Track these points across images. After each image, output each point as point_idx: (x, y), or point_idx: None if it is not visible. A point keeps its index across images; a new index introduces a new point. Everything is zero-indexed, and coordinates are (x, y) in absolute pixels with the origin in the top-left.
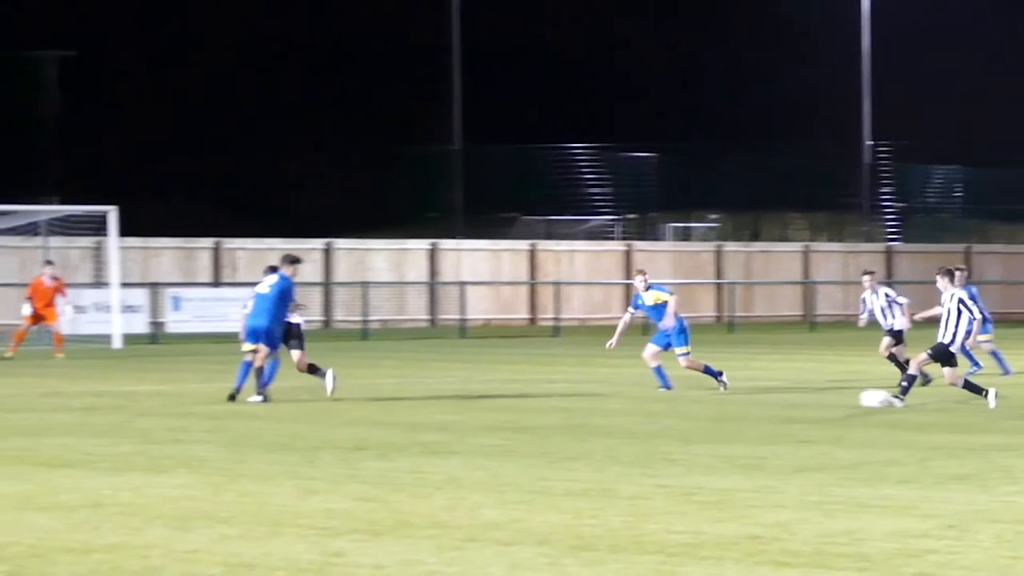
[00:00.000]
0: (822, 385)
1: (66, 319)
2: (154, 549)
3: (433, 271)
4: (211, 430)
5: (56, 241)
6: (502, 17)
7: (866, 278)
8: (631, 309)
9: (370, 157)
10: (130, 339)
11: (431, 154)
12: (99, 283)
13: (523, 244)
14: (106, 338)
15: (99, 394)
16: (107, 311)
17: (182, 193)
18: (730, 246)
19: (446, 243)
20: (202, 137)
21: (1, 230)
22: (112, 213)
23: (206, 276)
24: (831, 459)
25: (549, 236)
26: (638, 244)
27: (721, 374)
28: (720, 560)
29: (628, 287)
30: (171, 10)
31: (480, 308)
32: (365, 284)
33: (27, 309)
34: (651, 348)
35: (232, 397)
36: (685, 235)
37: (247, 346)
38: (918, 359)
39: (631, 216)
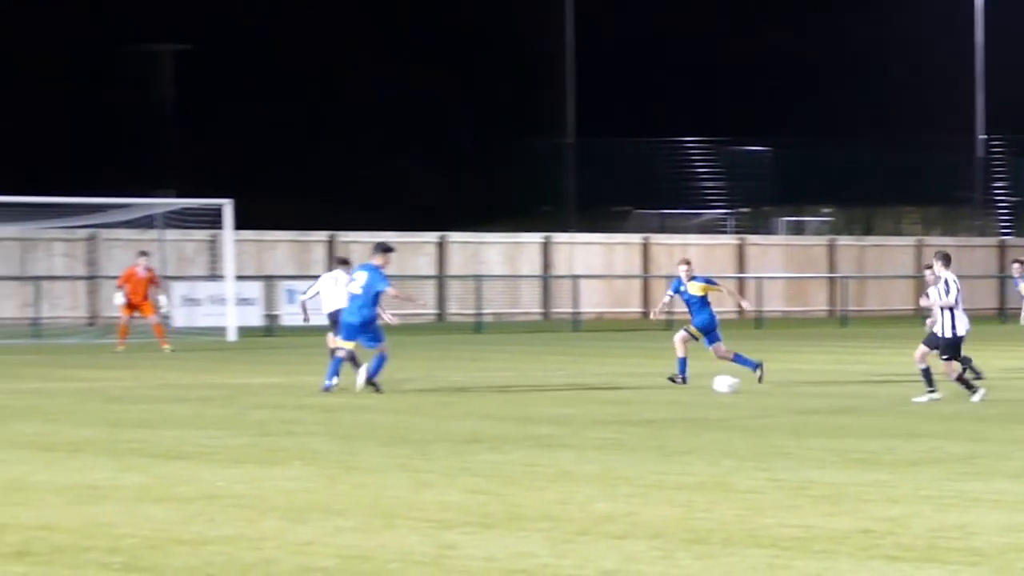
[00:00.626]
0: (935, 379)
1: (162, 309)
2: (268, 541)
3: (546, 264)
4: (325, 422)
5: (172, 234)
6: (616, 10)
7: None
8: (670, 292)
9: (484, 150)
10: (244, 332)
11: (545, 148)
12: (214, 276)
13: (636, 238)
14: (221, 331)
15: (214, 386)
16: (222, 304)
17: (297, 186)
18: (843, 240)
19: (559, 236)
20: (317, 130)
21: (118, 223)
22: (227, 206)
23: (320, 269)
24: (944, 453)
25: (662, 230)
26: (751, 238)
27: (759, 366)
28: (833, 554)
29: (742, 281)
30: (286, 4)
31: (593, 301)
32: (479, 277)
33: (120, 298)
34: (683, 334)
35: (374, 386)
36: (798, 229)
37: (345, 343)
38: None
39: (744, 210)
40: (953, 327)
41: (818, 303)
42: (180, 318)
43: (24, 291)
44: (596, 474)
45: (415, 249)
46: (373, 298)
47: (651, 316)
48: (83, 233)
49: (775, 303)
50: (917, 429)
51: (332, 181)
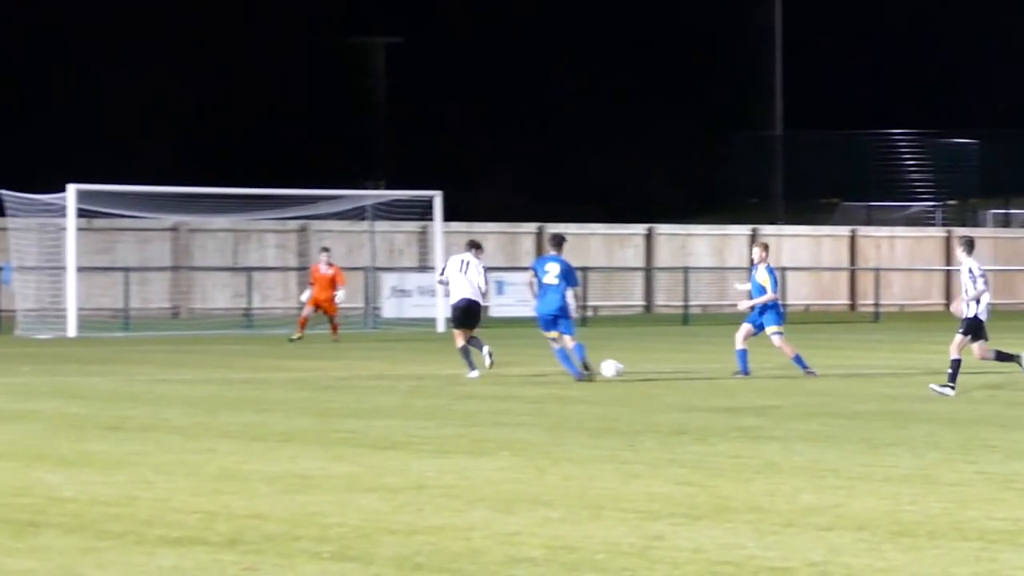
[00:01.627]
0: None
1: (337, 301)
2: (476, 531)
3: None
4: (533, 413)
5: (381, 225)
6: (824, 3)
7: None
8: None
9: (692, 143)
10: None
11: (753, 140)
12: (424, 267)
13: (843, 230)
14: (430, 322)
15: (423, 377)
16: (431, 295)
17: (506, 178)
18: None
19: (767, 229)
20: (526, 123)
21: (329, 215)
22: (437, 198)
23: (529, 260)
24: None
25: (869, 222)
26: (958, 230)
27: (808, 368)
28: None
29: (949, 274)
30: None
31: (800, 294)
32: (686, 269)
33: (307, 294)
34: (745, 328)
35: (586, 377)
36: (1005, 221)
37: (548, 335)
38: (956, 343)
39: (951, 202)
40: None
41: None
42: (390, 309)
43: (236, 282)
44: (803, 466)
45: (623, 241)
46: (566, 288)
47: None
48: (294, 225)
49: None
50: None
51: (541, 173)
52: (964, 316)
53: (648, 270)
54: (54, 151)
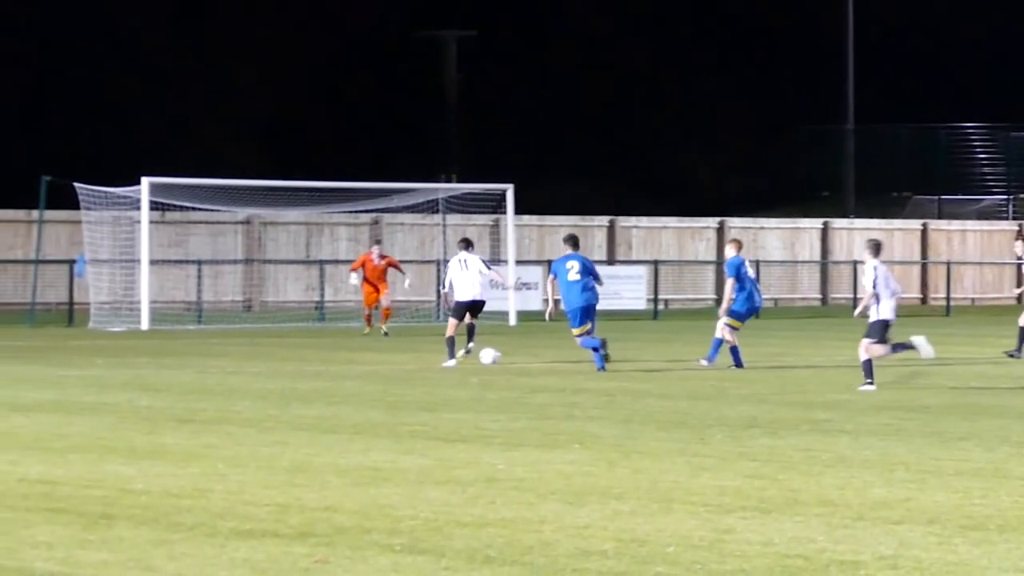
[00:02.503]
0: None
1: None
2: (547, 524)
3: (825, 250)
4: (604, 406)
5: (453, 219)
6: None
7: None
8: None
9: (764, 136)
10: (524, 316)
11: (824, 134)
12: (495, 260)
13: (915, 223)
14: (502, 315)
15: (494, 370)
16: (502, 288)
17: (578, 171)
18: None
19: (838, 222)
20: (598, 116)
21: (401, 208)
22: (509, 191)
23: (600, 254)
24: None
25: (941, 215)
26: None
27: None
28: None
29: (1021, 267)
30: None
31: None
32: (758, 262)
33: (354, 279)
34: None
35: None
36: None
37: (577, 331)
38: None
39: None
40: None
41: None
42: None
43: (309, 274)
44: (873, 459)
45: (695, 234)
46: (592, 280)
47: None
48: (367, 218)
49: None
50: None
51: (613, 166)
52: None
53: (720, 263)
54: (128, 144)
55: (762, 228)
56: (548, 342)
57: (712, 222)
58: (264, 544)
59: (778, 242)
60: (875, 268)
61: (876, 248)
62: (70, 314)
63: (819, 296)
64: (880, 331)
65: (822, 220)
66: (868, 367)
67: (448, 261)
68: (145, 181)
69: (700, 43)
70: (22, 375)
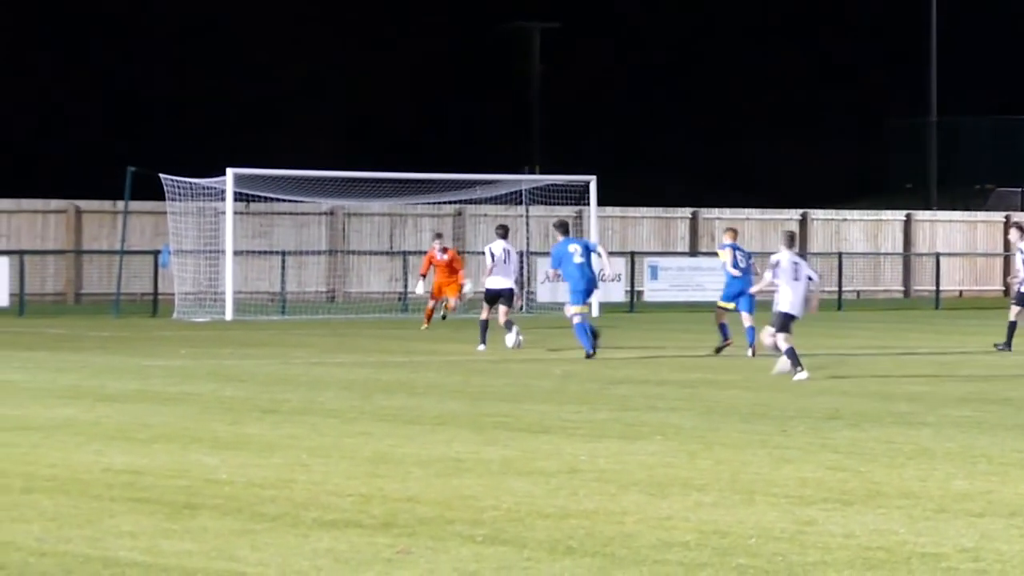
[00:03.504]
0: None
1: (465, 290)
2: (629, 515)
3: (907, 242)
4: (686, 398)
5: (536, 210)
6: None
7: None
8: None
9: (847, 128)
10: (607, 307)
11: (907, 126)
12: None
13: (998, 215)
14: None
15: (575, 361)
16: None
17: (661, 163)
18: None
19: (921, 214)
20: (680, 108)
21: (484, 199)
22: (592, 183)
23: (683, 246)
24: None
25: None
26: None
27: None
28: None
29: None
30: None
31: (954, 279)
32: (840, 254)
33: (421, 287)
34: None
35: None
36: None
37: (580, 308)
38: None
39: None
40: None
41: None
42: (544, 293)
43: (392, 266)
44: (955, 452)
45: (777, 226)
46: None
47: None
48: (450, 209)
49: None
50: None
51: (695, 158)
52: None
53: (802, 255)
54: (213, 135)
55: (845, 220)
56: (630, 333)
57: (795, 214)
58: (347, 535)
59: (861, 234)
60: (778, 260)
61: (790, 239)
62: (154, 304)
63: (902, 288)
64: (779, 322)
65: (905, 212)
66: (791, 355)
67: (520, 252)
68: (230, 172)
69: (785, 33)
70: (107, 365)
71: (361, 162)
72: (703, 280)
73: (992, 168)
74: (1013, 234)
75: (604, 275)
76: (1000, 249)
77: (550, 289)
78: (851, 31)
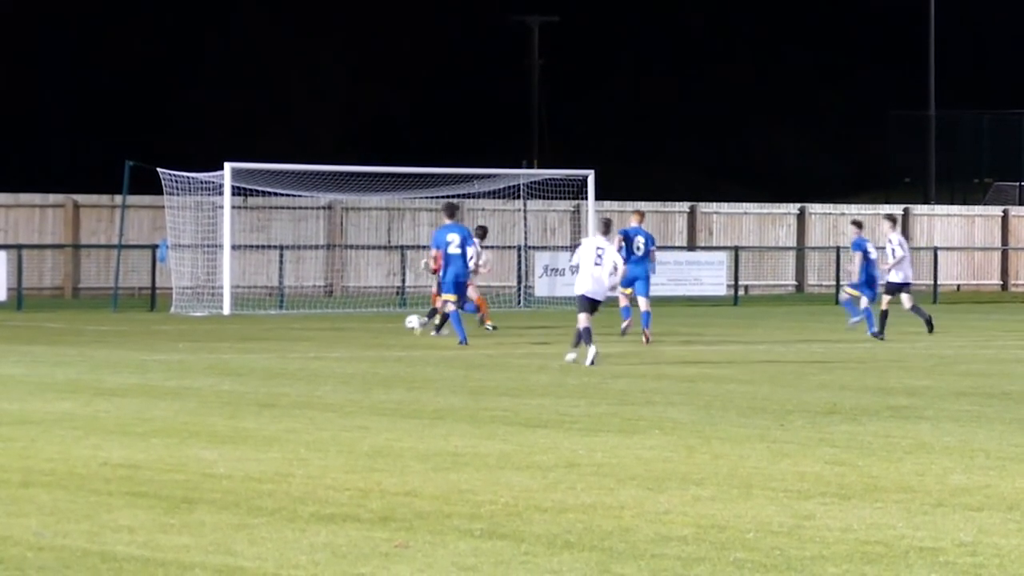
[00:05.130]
0: None
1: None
2: (627, 509)
3: (905, 236)
4: (684, 392)
5: (534, 204)
6: None
7: None
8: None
9: (846, 122)
10: (606, 303)
11: (907, 119)
12: (576, 246)
13: (996, 210)
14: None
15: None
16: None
17: (659, 157)
18: None
19: (919, 208)
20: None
21: (482, 193)
22: (590, 177)
23: (681, 240)
24: None
25: (1022, 202)
26: None
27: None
28: None
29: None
30: None
31: (952, 273)
32: (838, 248)
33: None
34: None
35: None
36: None
37: (449, 296)
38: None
39: None
40: None
41: None
42: (542, 288)
43: (391, 260)
44: (953, 446)
45: (775, 220)
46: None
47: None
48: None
49: None
50: None
51: (693, 152)
52: None
53: (800, 249)
54: (211, 129)
55: (842, 214)
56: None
57: (793, 208)
58: (344, 529)
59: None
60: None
61: (606, 226)
62: (152, 299)
63: None
64: (581, 304)
65: (903, 206)
66: (578, 335)
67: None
68: (228, 166)
69: (784, 28)
70: (105, 360)
71: (359, 156)
72: (701, 274)
73: (991, 162)
74: (884, 226)
75: (482, 267)
76: (998, 243)
77: (548, 284)
78: (850, 25)
